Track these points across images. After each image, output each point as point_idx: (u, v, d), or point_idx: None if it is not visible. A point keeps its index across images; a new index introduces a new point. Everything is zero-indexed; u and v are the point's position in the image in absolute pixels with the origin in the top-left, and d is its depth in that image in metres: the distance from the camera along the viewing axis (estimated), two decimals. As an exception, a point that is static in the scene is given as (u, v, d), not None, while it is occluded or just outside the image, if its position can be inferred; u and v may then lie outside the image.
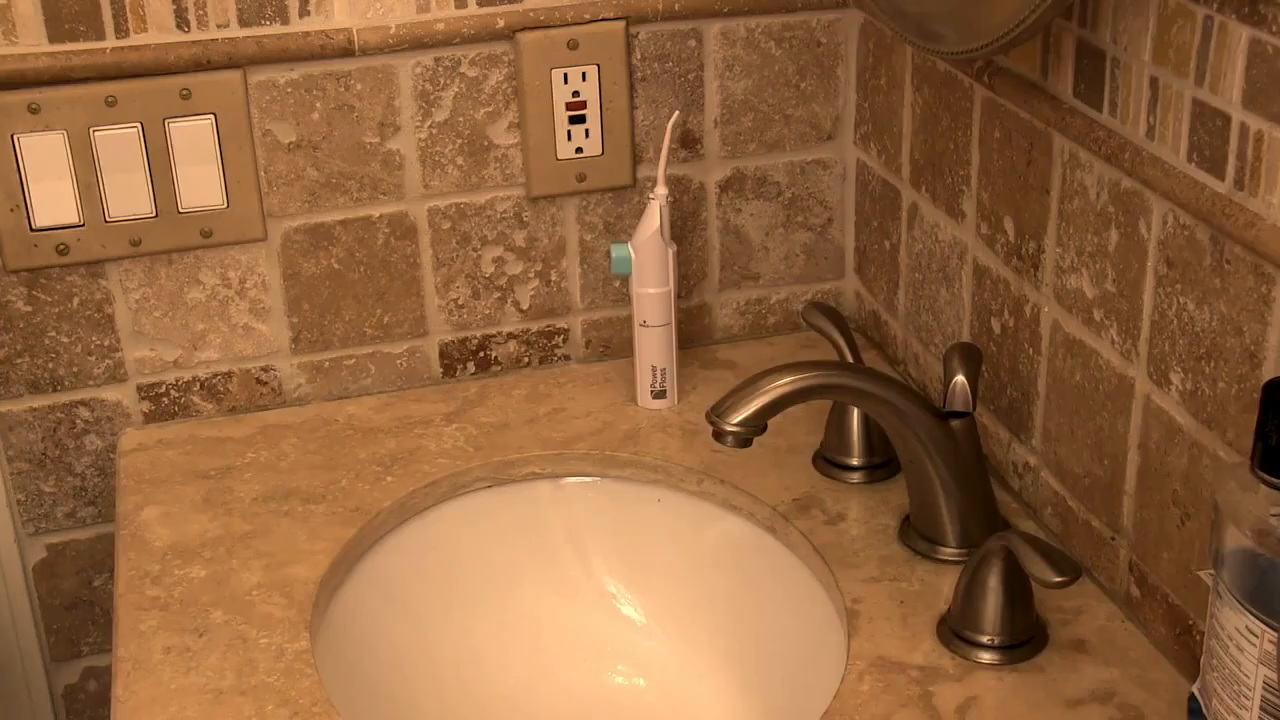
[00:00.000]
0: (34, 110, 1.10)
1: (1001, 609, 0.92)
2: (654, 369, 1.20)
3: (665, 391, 1.21)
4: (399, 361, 1.25)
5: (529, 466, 1.16)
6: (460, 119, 1.19)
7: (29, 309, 1.16)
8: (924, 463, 1.00)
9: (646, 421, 1.19)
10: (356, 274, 1.22)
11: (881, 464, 1.11)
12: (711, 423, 0.93)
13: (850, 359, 1.10)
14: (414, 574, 1.11)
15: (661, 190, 1.16)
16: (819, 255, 1.31)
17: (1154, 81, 0.85)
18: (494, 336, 1.27)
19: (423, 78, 1.17)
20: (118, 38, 1.11)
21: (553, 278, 1.26)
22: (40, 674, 1.26)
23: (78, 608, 1.26)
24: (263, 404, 1.24)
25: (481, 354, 1.27)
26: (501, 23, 1.17)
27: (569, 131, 1.21)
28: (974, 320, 1.11)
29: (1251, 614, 0.73)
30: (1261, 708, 0.73)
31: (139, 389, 1.21)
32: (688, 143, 1.25)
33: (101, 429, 1.21)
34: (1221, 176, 0.80)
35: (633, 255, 1.17)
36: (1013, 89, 0.99)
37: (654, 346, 1.19)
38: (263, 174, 1.17)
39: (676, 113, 1.20)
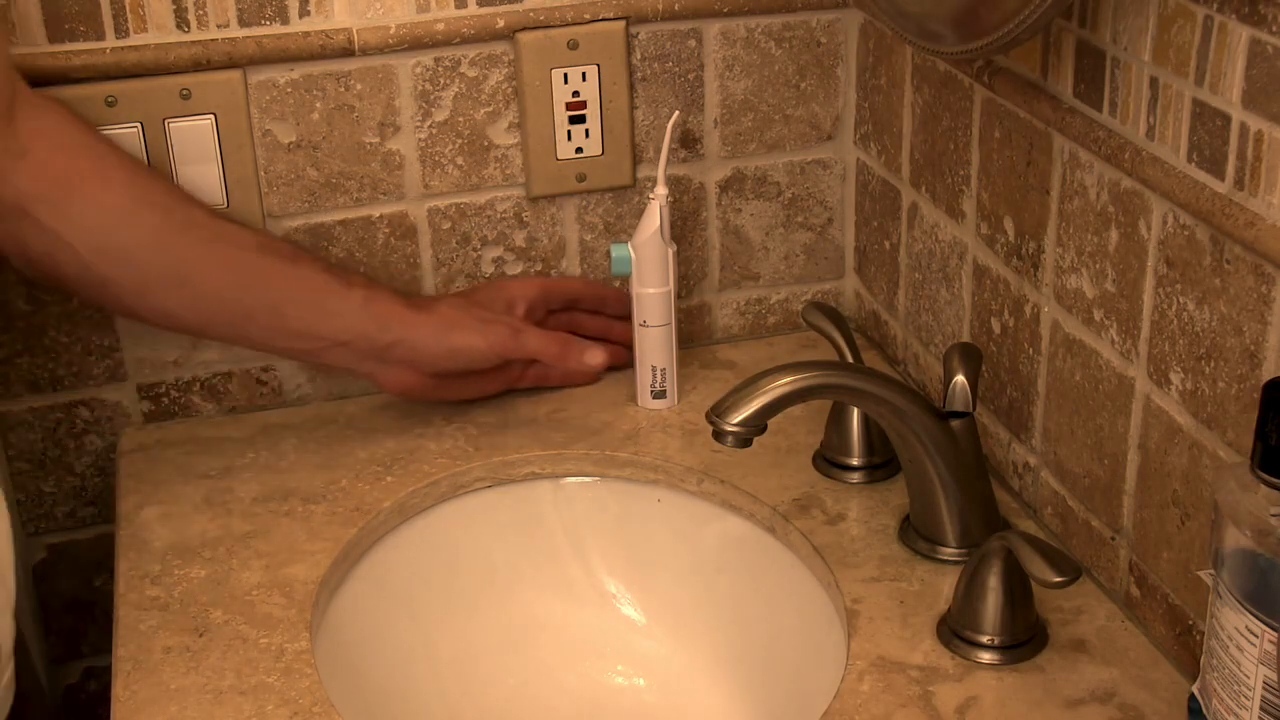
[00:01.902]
0: (34, 110, 1.10)
1: (1001, 609, 0.92)
2: (654, 369, 1.20)
3: (665, 391, 1.21)
4: (399, 361, 1.25)
5: (529, 466, 1.16)
6: (460, 119, 1.19)
7: (29, 308, 1.16)
8: (924, 463, 1.00)
9: (646, 421, 1.19)
10: (356, 274, 1.22)
11: (881, 464, 1.11)
12: (711, 423, 0.93)
13: (850, 359, 1.10)
14: (414, 574, 1.11)
15: (661, 190, 1.16)
16: (819, 255, 1.31)
17: (1154, 81, 0.85)
18: (494, 336, 1.27)
19: (423, 78, 1.17)
20: (118, 38, 1.11)
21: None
22: (40, 674, 1.26)
23: (78, 608, 1.26)
24: (262, 404, 1.24)
25: (481, 354, 1.27)
26: (501, 23, 1.17)
27: (569, 131, 1.21)
28: (974, 320, 1.11)
29: (1251, 614, 0.73)
30: (1261, 708, 0.73)
31: (139, 389, 1.21)
32: (688, 143, 1.25)
33: (101, 429, 1.21)
34: (1221, 176, 0.80)
35: (633, 255, 1.17)
36: (1013, 89, 0.99)
37: (654, 346, 1.19)
38: (263, 174, 1.17)
39: (676, 113, 1.20)
